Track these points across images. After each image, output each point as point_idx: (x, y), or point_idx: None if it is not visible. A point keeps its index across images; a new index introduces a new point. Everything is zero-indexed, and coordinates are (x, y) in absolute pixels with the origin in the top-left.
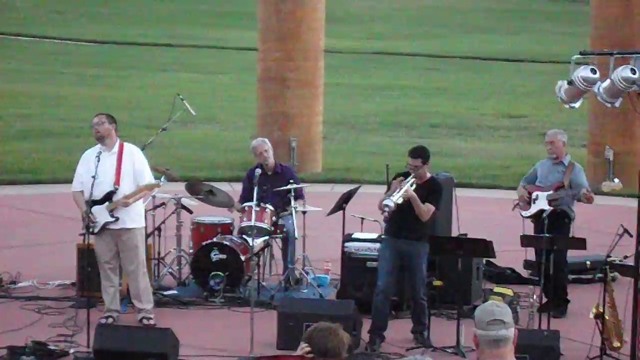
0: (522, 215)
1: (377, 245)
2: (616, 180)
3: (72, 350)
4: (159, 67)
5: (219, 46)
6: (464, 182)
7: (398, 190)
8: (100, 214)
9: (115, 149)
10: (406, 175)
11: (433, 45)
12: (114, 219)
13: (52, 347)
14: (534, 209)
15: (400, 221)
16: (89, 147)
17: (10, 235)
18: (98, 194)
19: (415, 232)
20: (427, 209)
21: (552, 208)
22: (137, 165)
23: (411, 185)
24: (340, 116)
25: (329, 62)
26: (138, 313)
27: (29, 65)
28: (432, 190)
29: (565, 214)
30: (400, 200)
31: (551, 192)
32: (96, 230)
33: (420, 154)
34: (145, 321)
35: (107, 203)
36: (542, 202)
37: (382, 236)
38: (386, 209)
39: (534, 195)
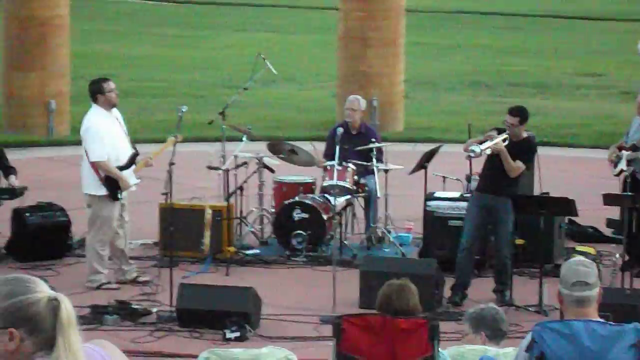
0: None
1: (459, 204)
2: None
3: (155, 309)
4: (238, 26)
5: (299, 5)
6: (545, 140)
7: (489, 141)
8: (130, 178)
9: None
10: (503, 131)
11: (513, 4)
12: (139, 181)
13: (135, 306)
14: (618, 168)
15: (490, 176)
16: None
17: None
18: (123, 159)
19: (504, 189)
20: (516, 166)
21: (632, 168)
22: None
23: (503, 141)
24: (421, 75)
25: (410, 21)
26: (130, 274)
27: (107, 25)
28: (524, 149)
29: None
30: (488, 151)
31: (630, 152)
32: (122, 195)
33: (518, 113)
34: (141, 278)
35: (133, 166)
36: (622, 162)
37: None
38: (472, 154)
39: (620, 154)
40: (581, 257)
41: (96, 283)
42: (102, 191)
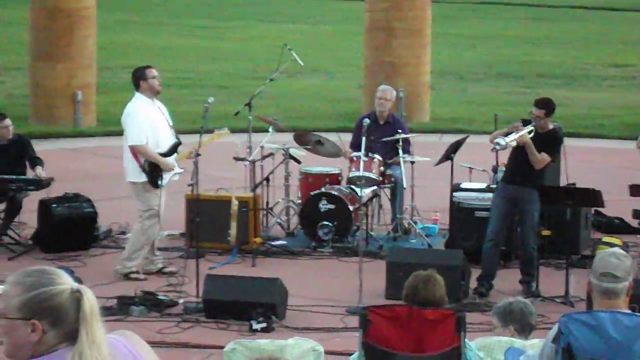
0: None
1: (486, 195)
2: None
3: (181, 300)
4: (264, 17)
5: None
6: (571, 131)
7: (514, 133)
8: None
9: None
10: (528, 122)
11: None
12: (182, 170)
13: (161, 297)
14: None
15: (516, 167)
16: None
17: (119, 186)
18: (164, 147)
19: (529, 179)
20: (541, 158)
21: None
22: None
23: (529, 133)
24: (447, 66)
25: (435, 12)
26: (156, 264)
27: (136, 16)
28: (550, 141)
29: None
30: (514, 144)
31: None
32: (164, 182)
33: (544, 105)
34: (167, 269)
35: (175, 155)
36: None
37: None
38: (497, 146)
39: None
40: (617, 249)
41: (126, 270)
42: (143, 178)
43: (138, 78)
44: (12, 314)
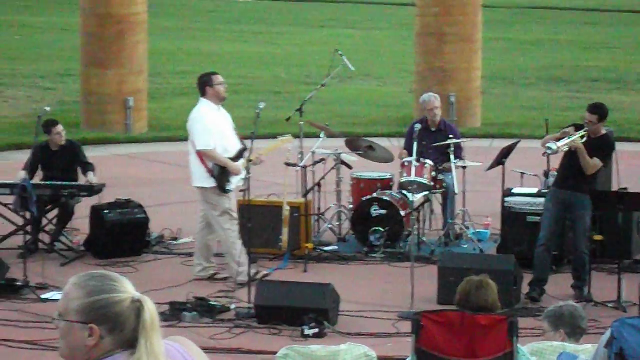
0: None
1: (538, 200)
2: None
3: (233, 306)
4: (316, 23)
5: (376, 2)
6: (623, 136)
7: (567, 138)
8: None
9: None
10: (581, 127)
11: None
12: (250, 175)
13: (213, 303)
14: None
15: (567, 172)
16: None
17: (171, 192)
18: (232, 152)
19: (581, 184)
20: (593, 164)
21: None
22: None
23: (582, 138)
24: (498, 71)
25: (487, 16)
26: (208, 271)
27: (188, 22)
28: (602, 146)
29: None
30: (565, 148)
31: None
32: (231, 187)
33: (597, 110)
34: (219, 275)
35: (242, 160)
36: None
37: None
38: (548, 151)
39: None
40: None
41: (247, 276)
42: (211, 183)
43: (204, 84)
44: (71, 316)
